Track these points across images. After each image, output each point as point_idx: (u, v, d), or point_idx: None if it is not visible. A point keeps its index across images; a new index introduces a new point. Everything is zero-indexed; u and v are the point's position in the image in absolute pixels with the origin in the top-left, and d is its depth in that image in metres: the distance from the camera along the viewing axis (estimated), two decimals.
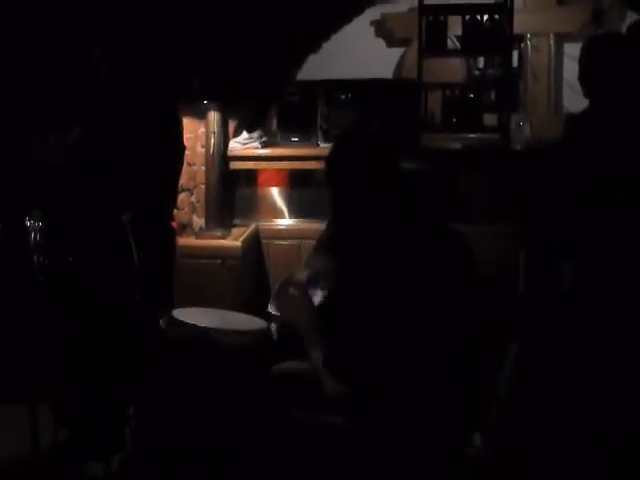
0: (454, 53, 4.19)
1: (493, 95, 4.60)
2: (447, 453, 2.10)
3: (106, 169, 2.85)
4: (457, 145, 4.17)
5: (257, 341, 2.64)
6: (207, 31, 3.72)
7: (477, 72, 5.92)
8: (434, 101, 4.38)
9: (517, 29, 6.05)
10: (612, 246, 2.86)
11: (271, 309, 3.25)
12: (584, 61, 3.14)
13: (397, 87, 4.34)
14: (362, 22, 6.62)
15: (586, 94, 3.17)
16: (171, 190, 3.23)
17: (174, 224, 3.42)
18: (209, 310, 2.85)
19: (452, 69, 5.89)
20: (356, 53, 6.11)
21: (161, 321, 2.61)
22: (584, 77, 3.14)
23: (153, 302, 2.83)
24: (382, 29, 6.26)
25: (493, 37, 4.10)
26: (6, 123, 3.19)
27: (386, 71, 5.91)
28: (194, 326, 2.54)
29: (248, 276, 4.06)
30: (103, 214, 2.77)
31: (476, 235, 3.99)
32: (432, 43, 4.18)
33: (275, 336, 3.20)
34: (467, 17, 4.11)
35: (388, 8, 5.90)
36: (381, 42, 6.35)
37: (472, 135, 4.25)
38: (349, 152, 2.16)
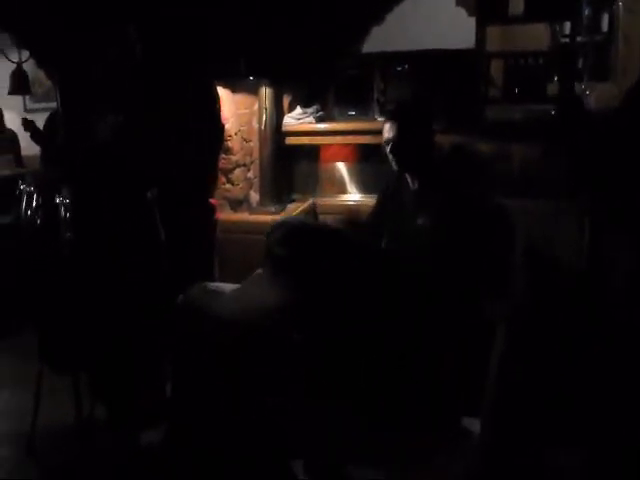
0: (516, 20, 3.98)
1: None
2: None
3: (135, 147, 2.91)
4: (517, 117, 3.97)
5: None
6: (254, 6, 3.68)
7: (563, 39, 5.66)
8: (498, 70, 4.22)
9: None
10: None
11: None
12: None
13: (456, 57, 4.15)
14: None
15: None
16: (206, 167, 3.25)
17: (214, 200, 3.46)
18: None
19: (536, 37, 5.62)
20: (437, 23, 5.94)
21: (179, 297, 2.64)
22: None
23: (183, 276, 2.88)
24: None
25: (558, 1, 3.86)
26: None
27: (468, 40, 5.72)
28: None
29: None
30: (128, 191, 2.83)
31: (539, 211, 3.86)
32: (493, 10, 4.01)
33: None
34: None
35: None
36: (462, 11, 6.15)
37: (535, 106, 4.04)
38: None
